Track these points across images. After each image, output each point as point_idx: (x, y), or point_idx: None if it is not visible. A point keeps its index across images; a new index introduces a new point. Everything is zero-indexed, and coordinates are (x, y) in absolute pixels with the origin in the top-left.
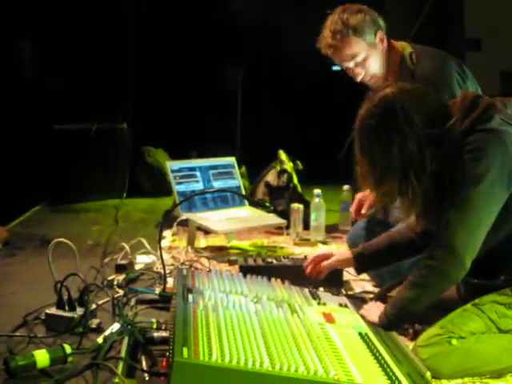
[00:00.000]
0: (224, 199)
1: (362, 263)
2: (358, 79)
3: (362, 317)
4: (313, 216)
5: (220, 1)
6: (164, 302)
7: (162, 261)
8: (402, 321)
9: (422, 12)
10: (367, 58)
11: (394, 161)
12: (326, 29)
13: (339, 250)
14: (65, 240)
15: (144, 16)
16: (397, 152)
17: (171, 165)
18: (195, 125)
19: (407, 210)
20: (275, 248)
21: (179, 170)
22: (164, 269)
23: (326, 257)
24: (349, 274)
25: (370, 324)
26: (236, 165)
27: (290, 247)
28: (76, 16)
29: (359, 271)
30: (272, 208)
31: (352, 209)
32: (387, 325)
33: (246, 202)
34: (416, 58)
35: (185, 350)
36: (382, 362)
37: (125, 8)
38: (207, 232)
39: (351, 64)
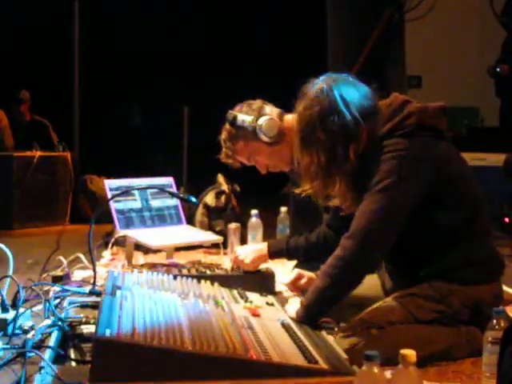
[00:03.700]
0: (162, 217)
1: None
2: None
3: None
4: (250, 235)
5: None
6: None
7: (92, 255)
8: (316, 312)
9: (362, 51)
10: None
11: (337, 140)
12: None
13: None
14: None
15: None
16: (340, 132)
17: (109, 183)
18: (141, 155)
19: (345, 192)
20: (212, 265)
21: (117, 189)
22: (94, 265)
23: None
24: (282, 286)
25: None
26: (174, 184)
27: (227, 265)
28: (19, 37)
29: None
30: (197, 201)
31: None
32: (303, 318)
33: (184, 221)
34: None
35: (107, 331)
36: (302, 346)
37: (72, 33)
38: (146, 252)
39: None
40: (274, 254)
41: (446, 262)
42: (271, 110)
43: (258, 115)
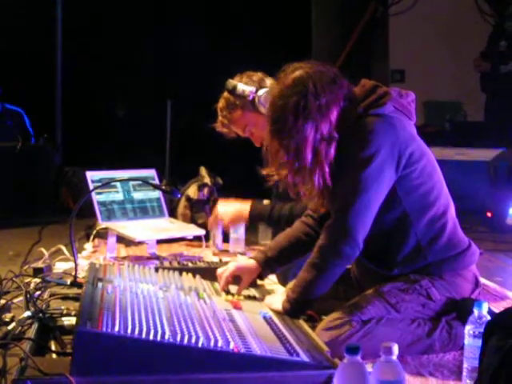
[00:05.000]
0: (144, 210)
1: (267, 267)
2: None
3: (268, 306)
4: (232, 228)
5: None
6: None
7: (73, 247)
8: (304, 304)
9: (346, 45)
10: None
11: (308, 136)
12: None
13: (245, 262)
14: None
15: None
16: (312, 128)
17: (91, 175)
18: (124, 147)
19: (314, 189)
20: (194, 258)
21: (99, 181)
22: (75, 257)
23: (237, 275)
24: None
25: (276, 312)
26: (156, 177)
27: (209, 258)
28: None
29: (264, 276)
30: (179, 194)
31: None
32: (290, 310)
33: (166, 213)
34: None
35: (88, 323)
36: (283, 339)
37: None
38: (128, 244)
39: None
40: (254, 217)
41: (418, 255)
42: (272, 83)
43: (258, 86)
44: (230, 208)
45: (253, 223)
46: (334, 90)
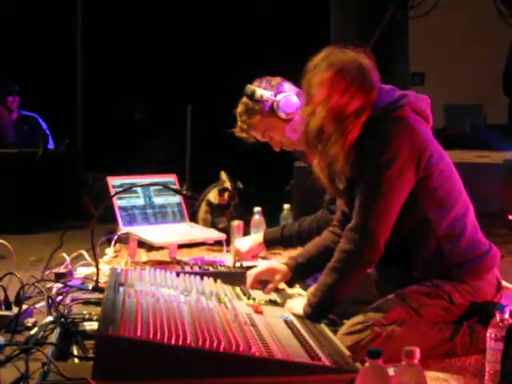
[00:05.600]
0: (164, 215)
1: (297, 274)
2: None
3: (289, 310)
4: (253, 232)
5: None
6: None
7: (95, 252)
8: (325, 308)
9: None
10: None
11: (339, 111)
12: None
13: (278, 265)
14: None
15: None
16: (343, 102)
17: (112, 180)
18: (144, 152)
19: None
20: (215, 262)
21: (120, 186)
22: (97, 262)
23: (268, 275)
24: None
25: (297, 316)
26: (177, 182)
27: (230, 262)
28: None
29: (293, 282)
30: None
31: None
32: (311, 314)
33: (187, 218)
34: None
35: (110, 328)
36: (304, 343)
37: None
38: (149, 249)
39: None
40: (269, 242)
41: (439, 258)
42: (290, 88)
43: (276, 91)
44: (246, 241)
45: (269, 248)
46: (364, 78)
